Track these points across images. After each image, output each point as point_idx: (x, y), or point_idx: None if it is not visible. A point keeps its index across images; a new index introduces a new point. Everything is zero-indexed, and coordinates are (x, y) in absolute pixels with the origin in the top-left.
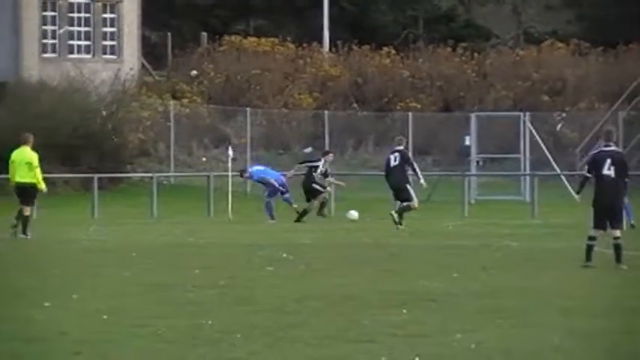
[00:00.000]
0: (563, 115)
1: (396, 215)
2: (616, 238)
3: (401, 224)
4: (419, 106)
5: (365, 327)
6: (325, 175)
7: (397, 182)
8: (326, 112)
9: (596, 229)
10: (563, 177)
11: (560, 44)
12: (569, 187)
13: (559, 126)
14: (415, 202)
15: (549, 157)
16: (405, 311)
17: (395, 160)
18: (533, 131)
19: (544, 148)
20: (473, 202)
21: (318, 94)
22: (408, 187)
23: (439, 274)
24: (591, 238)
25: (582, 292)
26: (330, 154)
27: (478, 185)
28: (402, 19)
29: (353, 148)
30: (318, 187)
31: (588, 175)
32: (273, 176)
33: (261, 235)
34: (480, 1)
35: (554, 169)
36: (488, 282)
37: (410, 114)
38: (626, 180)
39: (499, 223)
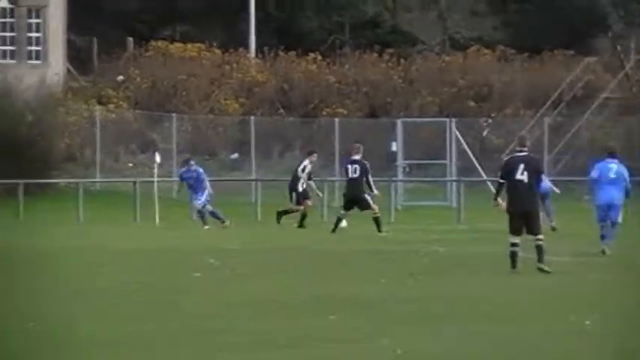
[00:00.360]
0: (489, 121)
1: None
2: (538, 239)
3: (381, 231)
4: (345, 111)
5: (293, 332)
6: (309, 177)
7: (357, 193)
8: (252, 117)
9: (513, 234)
10: (489, 182)
11: (485, 50)
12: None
13: (485, 132)
14: (376, 209)
15: (475, 162)
16: (332, 317)
17: (355, 172)
18: (460, 137)
19: (470, 154)
20: (399, 207)
21: (245, 99)
22: (367, 197)
23: (367, 280)
24: (513, 245)
25: (508, 298)
26: (315, 154)
27: (405, 191)
28: (328, 25)
29: (279, 154)
30: (296, 196)
31: (502, 180)
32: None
33: (189, 241)
34: (405, 7)
35: (480, 175)
36: (416, 288)
37: (336, 120)
38: (544, 183)
39: (426, 228)
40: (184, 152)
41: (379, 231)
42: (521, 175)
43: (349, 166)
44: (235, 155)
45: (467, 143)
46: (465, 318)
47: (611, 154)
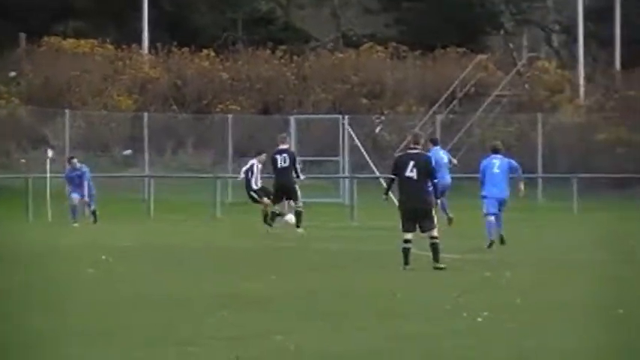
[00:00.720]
0: (382, 117)
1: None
2: (432, 237)
3: (299, 227)
4: (238, 108)
5: (186, 330)
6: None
7: (287, 182)
8: (145, 114)
9: (405, 232)
10: (382, 180)
11: (378, 47)
12: (391, 195)
13: (378, 129)
14: (300, 204)
15: (368, 159)
16: (225, 314)
17: (284, 162)
18: (353, 134)
19: (363, 150)
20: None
21: (138, 96)
22: (297, 187)
23: (260, 277)
24: (406, 241)
25: (400, 295)
26: (264, 154)
27: (298, 187)
28: (222, 21)
29: (172, 151)
30: (255, 195)
31: (392, 177)
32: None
33: (82, 238)
34: (298, 4)
35: (373, 172)
36: (309, 284)
37: (229, 116)
38: (435, 181)
39: (319, 225)
40: (77, 149)
41: (297, 226)
42: (411, 173)
43: (278, 156)
44: (128, 151)
45: (360, 140)
46: (356, 314)
47: (495, 151)
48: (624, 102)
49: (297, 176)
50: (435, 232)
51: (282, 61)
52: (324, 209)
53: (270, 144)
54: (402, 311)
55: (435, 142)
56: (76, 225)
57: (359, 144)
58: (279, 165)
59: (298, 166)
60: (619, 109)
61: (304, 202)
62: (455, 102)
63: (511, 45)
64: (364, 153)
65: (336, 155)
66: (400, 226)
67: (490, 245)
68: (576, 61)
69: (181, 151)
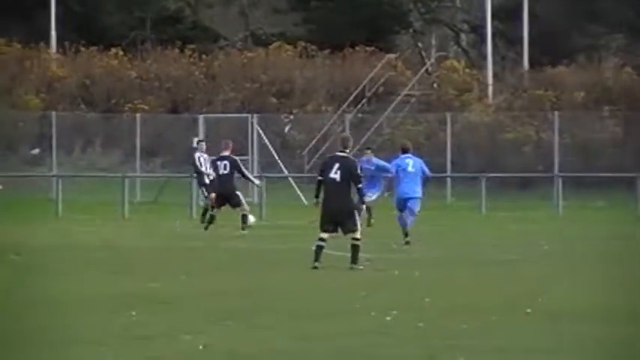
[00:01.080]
0: (291, 117)
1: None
2: (354, 239)
3: (244, 228)
4: (147, 107)
5: (94, 329)
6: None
7: (228, 189)
8: (53, 113)
9: (324, 232)
10: (291, 179)
11: (287, 46)
12: (297, 189)
13: (287, 128)
14: (246, 207)
15: (277, 159)
16: (133, 313)
17: (225, 169)
18: (262, 133)
19: (272, 149)
20: (202, 204)
21: (45, 94)
22: (238, 193)
23: (167, 276)
24: (321, 240)
25: (310, 294)
26: (202, 143)
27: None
28: (130, 20)
29: (81, 150)
30: (204, 190)
31: (320, 178)
32: None
33: None
34: (207, 3)
35: (282, 171)
36: (217, 284)
37: (138, 115)
38: (360, 186)
39: (228, 224)
40: None
41: (242, 229)
42: (335, 175)
43: (219, 163)
44: (36, 151)
45: (269, 139)
46: (265, 313)
47: (405, 151)
48: (532, 101)
49: (250, 181)
50: (357, 235)
51: (191, 60)
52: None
53: (179, 143)
54: (311, 310)
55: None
56: None
57: (268, 143)
58: (220, 171)
59: (246, 171)
60: (527, 108)
61: None
62: (364, 101)
63: (420, 44)
64: (273, 152)
65: (245, 154)
66: (319, 225)
67: (407, 243)
68: (485, 60)
69: (90, 151)
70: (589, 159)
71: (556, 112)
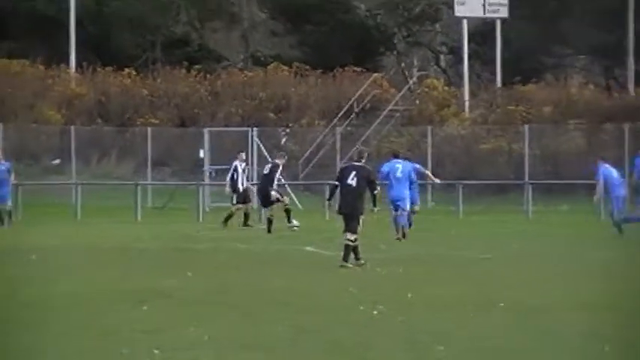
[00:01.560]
0: (287, 130)
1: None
2: (350, 239)
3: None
4: (157, 121)
5: (109, 323)
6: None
7: (263, 191)
8: (72, 127)
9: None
10: (287, 186)
11: (284, 67)
12: (293, 196)
13: (283, 140)
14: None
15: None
16: (145, 308)
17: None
18: (261, 145)
19: (270, 160)
20: (208, 209)
21: (65, 110)
22: (272, 194)
23: (176, 274)
24: (347, 239)
25: (306, 290)
26: (242, 153)
27: (212, 193)
28: (142, 43)
29: (97, 160)
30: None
31: (337, 183)
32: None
33: (8, 238)
34: (211, 28)
35: (280, 180)
36: (221, 280)
37: (149, 129)
38: (375, 192)
39: (231, 227)
40: (10, 159)
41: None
42: (352, 181)
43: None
44: (57, 161)
45: (267, 150)
46: (264, 307)
47: (395, 156)
48: (505, 115)
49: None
50: (355, 237)
51: (197, 79)
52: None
53: (186, 154)
54: (306, 305)
55: (396, 156)
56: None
57: (266, 154)
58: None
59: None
60: (500, 122)
61: (218, 207)
62: (352, 116)
63: (403, 64)
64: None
65: (246, 164)
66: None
67: (400, 239)
68: (462, 79)
69: (106, 161)
70: (556, 168)
71: (526, 126)
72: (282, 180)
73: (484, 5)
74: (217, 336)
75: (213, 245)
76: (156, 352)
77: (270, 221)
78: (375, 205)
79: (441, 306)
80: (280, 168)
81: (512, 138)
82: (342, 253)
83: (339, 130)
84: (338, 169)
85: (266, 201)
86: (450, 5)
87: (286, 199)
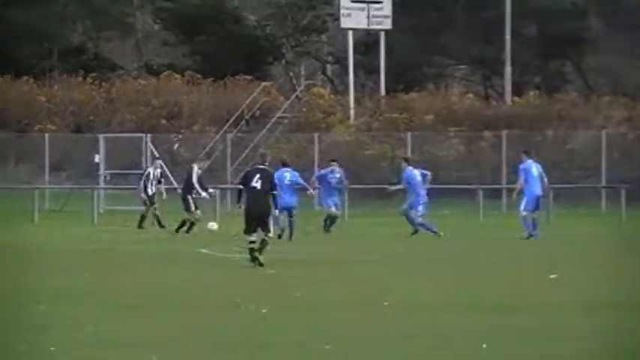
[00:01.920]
0: (180, 136)
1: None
2: (267, 236)
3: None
4: (54, 127)
5: (5, 319)
6: (159, 181)
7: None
8: None
9: (249, 234)
10: (179, 190)
11: (176, 75)
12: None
13: (176, 146)
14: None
15: (168, 173)
16: (42, 307)
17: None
18: (154, 150)
19: (163, 165)
20: (102, 211)
21: None
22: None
23: (72, 274)
24: (251, 242)
25: (198, 290)
26: (159, 160)
27: (107, 197)
28: (40, 51)
29: None
30: (144, 197)
31: (241, 187)
32: None
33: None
34: (106, 37)
35: (172, 184)
36: (116, 281)
37: (46, 135)
38: (274, 193)
39: (125, 229)
40: None
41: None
42: (256, 184)
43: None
44: None
45: (160, 155)
46: (157, 307)
47: (284, 165)
48: (388, 123)
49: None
50: (270, 234)
51: (92, 86)
52: (130, 216)
53: (82, 159)
54: (199, 304)
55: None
56: None
57: (159, 159)
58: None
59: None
60: (383, 129)
61: (112, 210)
62: (242, 123)
63: (291, 73)
64: (164, 167)
65: (140, 168)
66: (244, 230)
67: (279, 236)
68: (347, 87)
69: (4, 166)
70: (437, 173)
71: (409, 133)
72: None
73: (368, 17)
74: (112, 335)
75: (109, 247)
76: (52, 349)
77: (190, 223)
78: (276, 208)
79: (328, 306)
80: (195, 172)
81: (395, 144)
82: (256, 252)
83: (229, 136)
84: (242, 174)
85: (185, 205)
86: (336, 17)
87: (197, 213)
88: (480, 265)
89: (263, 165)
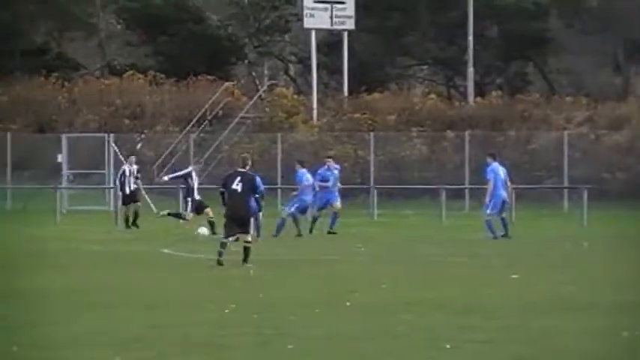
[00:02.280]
0: (143, 136)
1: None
2: (246, 242)
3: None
4: (16, 127)
5: None
6: (137, 177)
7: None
8: None
9: (229, 236)
10: (142, 190)
11: (139, 75)
12: (148, 199)
13: (139, 146)
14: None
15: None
16: (4, 307)
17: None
18: (117, 150)
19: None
20: (64, 211)
21: None
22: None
23: (35, 274)
24: (223, 245)
25: (160, 290)
26: (133, 157)
27: (69, 197)
28: (2, 51)
29: None
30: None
31: (222, 189)
32: None
33: None
34: (69, 37)
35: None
36: (79, 280)
37: (8, 134)
38: (257, 195)
39: (87, 229)
40: None
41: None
42: (236, 186)
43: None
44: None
45: (123, 155)
46: (122, 305)
47: (302, 165)
48: (351, 123)
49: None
50: (249, 238)
51: (55, 86)
52: (92, 216)
53: (44, 159)
54: (161, 303)
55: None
56: None
57: (123, 159)
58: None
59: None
60: (346, 129)
61: (75, 210)
62: (205, 123)
63: (254, 74)
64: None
65: (103, 169)
66: (223, 231)
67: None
68: (310, 87)
69: None
70: (400, 173)
71: (372, 133)
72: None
73: (332, 17)
74: (74, 334)
75: (69, 246)
76: (15, 349)
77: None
78: (259, 211)
79: (290, 305)
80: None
81: (358, 145)
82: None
83: (192, 136)
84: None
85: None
86: (299, 17)
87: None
88: (443, 265)
89: (243, 168)
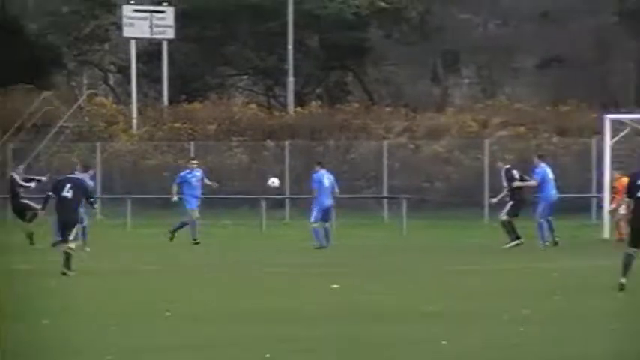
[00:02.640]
0: None
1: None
2: (69, 248)
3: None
4: None
5: None
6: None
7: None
8: None
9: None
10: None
11: None
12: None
13: None
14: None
15: None
16: None
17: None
18: None
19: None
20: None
21: None
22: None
23: None
24: (69, 248)
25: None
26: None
27: None
28: None
29: None
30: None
31: (50, 194)
32: None
33: None
34: None
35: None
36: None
37: None
38: (91, 200)
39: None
40: None
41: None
42: (67, 193)
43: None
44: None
45: None
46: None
47: (321, 166)
48: (171, 132)
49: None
50: (72, 245)
51: None
52: None
53: None
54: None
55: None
56: None
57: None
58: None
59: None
60: (166, 139)
61: None
62: (23, 132)
63: (73, 83)
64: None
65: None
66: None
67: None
68: (130, 97)
69: None
70: (220, 183)
71: (192, 142)
72: None
73: (151, 27)
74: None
75: None
76: None
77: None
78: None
79: (112, 316)
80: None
81: (178, 154)
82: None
83: (10, 146)
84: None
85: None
86: (119, 26)
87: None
88: (263, 275)
89: (73, 174)
